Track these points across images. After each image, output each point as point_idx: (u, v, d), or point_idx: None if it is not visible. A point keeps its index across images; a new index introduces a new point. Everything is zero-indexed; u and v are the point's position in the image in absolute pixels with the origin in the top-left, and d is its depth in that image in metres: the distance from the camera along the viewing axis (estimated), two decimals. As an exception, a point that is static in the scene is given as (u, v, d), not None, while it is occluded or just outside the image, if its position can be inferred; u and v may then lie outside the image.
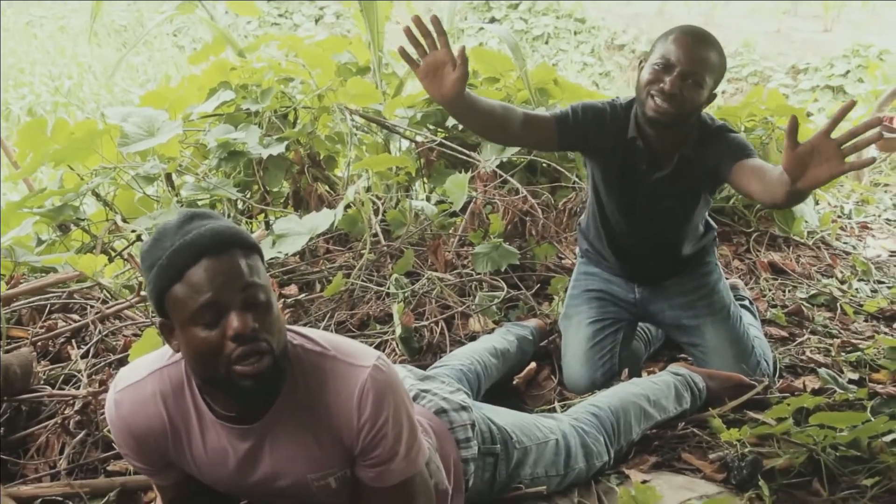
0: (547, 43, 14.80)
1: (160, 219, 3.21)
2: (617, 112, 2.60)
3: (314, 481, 1.60)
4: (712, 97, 2.47)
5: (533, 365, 2.81)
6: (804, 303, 3.47)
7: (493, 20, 15.13)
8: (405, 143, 4.10)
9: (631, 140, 2.55)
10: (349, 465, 1.61)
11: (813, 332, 3.21)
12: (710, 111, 2.64)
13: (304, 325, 2.96)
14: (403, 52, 2.25)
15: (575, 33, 14.96)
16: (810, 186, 2.04)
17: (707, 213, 2.83)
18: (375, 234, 3.40)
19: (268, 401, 1.52)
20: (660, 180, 2.56)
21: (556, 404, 2.61)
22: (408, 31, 2.20)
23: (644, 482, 2.16)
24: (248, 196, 3.65)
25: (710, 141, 2.51)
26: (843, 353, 2.95)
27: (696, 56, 2.36)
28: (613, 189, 2.65)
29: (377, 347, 2.85)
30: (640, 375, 2.76)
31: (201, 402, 1.55)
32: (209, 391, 1.52)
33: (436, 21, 2.22)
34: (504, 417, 2.12)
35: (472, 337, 2.92)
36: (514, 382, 2.74)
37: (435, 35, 2.22)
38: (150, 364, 1.60)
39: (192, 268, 1.39)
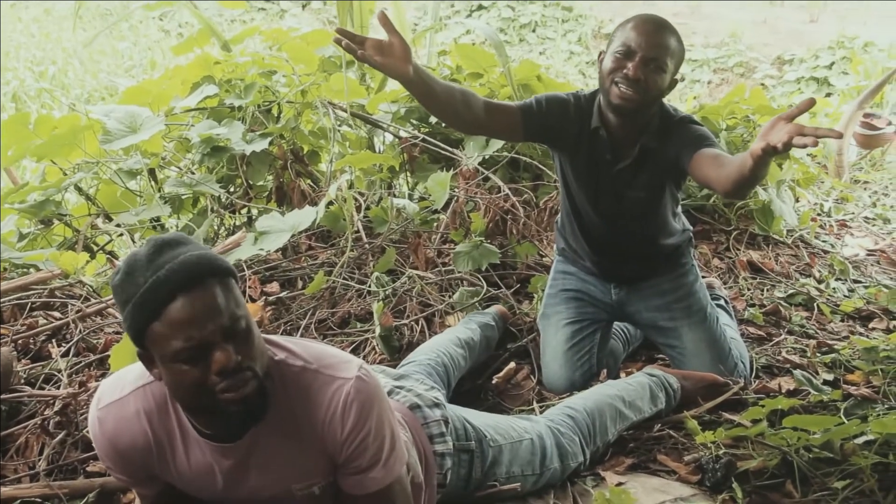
0: (534, 31, 14.76)
1: (143, 214, 3.22)
2: (581, 103, 2.63)
3: (298, 490, 1.62)
4: (674, 83, 2.50)
5: (512, 364, 2.83)
6: (782, 302, 3.50)
7: (480, 7, 15.09)
8: (389, 138, 4.10)
9: (594, 130, 2.57)
10: (333, 474, 1.63)
11: (790, 333, 3.24)
12: (693, 113, 2.66)
13: (286, 322, 2.97)
14: (349, 48, 2.22)
15: (562, 22, 14.93)
16: (766, 145, 1.97)
17: (682, 213, 2.85)
18: (357, 232, 3.41)
19: (255, 421, 1.52)
20: (622, 171, 2.59)
21: (535, 405, 2.63)
22: (338, 41, 2.21)
23: (619, 484, 2.19)
24: (231, 191, 3.65)
25: (671, 131, 2.54)
26: (818, 354, 2.98)
27: (657, 41, 2.40)
28: (581, 181, 2.68)
29: (358, 346, 2.87)
30: (618, 375, 2.79)
31: (185, 420, 1.56)
32: (192, 413, 1.53)
33: (383, 18, 2.22)
34: (478, 418, 2.15)
35: (450, 335, 2.94)
36: (494, 381, 2.76)
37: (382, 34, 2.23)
38: (133, 380, 1.59)
39: (168, 305, 1.37)
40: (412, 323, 2.99)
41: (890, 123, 6.46)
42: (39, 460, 2.16)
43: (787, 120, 1.95)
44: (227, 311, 1.40)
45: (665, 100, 2.58)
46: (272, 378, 1.52)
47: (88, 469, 2.18)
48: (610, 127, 2.56)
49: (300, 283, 3.26)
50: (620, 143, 2.57)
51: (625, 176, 2.59)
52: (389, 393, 2.00)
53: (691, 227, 2.90)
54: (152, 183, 3.54)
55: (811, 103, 1.95)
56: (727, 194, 2.36)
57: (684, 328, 2.75)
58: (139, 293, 1.38)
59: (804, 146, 1.88)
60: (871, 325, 3.40)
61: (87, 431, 2.20)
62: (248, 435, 1.54)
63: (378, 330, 2.82)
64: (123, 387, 1.59)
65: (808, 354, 2.99)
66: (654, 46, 2.39)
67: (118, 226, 3.38)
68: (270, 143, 3.53)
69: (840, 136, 1.91)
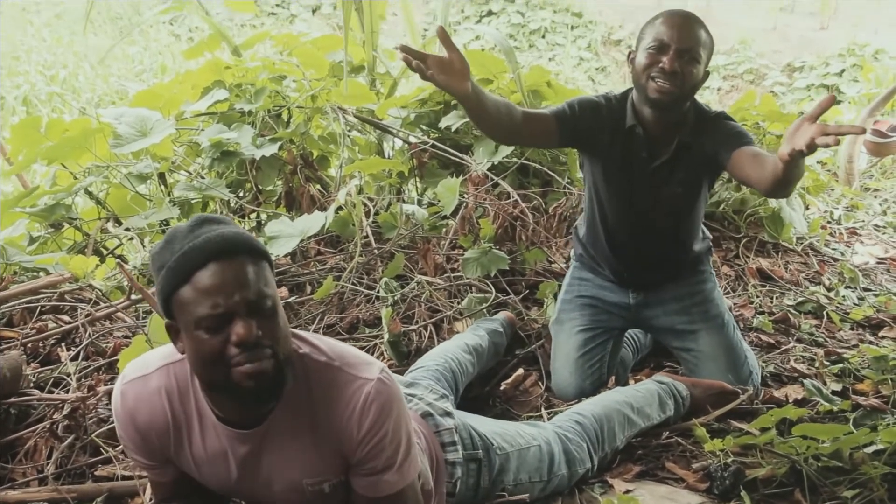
0: (544, 37, 14.78)
1: (152, 217, 3.23)
2: (612, 104, 2.64)
3: (308, 486, 1.62)
4: (706, 75, 2.52)
5: (520, 371, 2.83)
6: (791, 310, 3.49)
7: (490, 13, 15.12)
8: (398, 143, 4.11)
9: (630, 129, 2.58)
10: (345, 472, 1.63)
11: (799, 341, 3.23)
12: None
13: (295, 327, 2.97)
14: (419, 68, 2.24)
15: (572, 28, 14.94)
16: (791, 149, 2.00)
17: (702, 222, 2.85)
18: (366, 237, 3.42)
19: (269, 402, 1.53)
20: (659, 168, 2.59)
21: (543, 411, 2.63)
22: (406, 60, 2.22)
23: (627, 492, 2.18)
24: (241, 195, 3.66)
25: (707, 127, 2.55)
26: (827, 363, 2.97)
27: (688, 33, 2.43)
28: (613, 183, 2.67)
29: (366, 351, 2.87)
30: (627, 383, 2.78)
31: (204, 403, 1.57)
32: (212, 394, 1.54)
33: (442, 34, 2.23)
34: (485, 425, 2.14)
35: (458, 341, 2.94)
36: (502, 388, 2.76)
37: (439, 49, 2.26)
38: (159, 359, 1.62)
39: (199, 271, 1.40)
40: (420, 329, 2.99)
41: (901, 131, 6.44)
42: (48, 464, 2.16)
43: (812, 120, 1.95)
44: (254, 286, 1.42)
45: None
46: (295, 369, 1.53)
47: (97, 473, 2.17)
48: (646, 124, 2.57)
49: (309, 289, 3.26)
50: (657, 141, 2.58)
51: (662, 173, 2.60)
52: None
53: (710, 236, 2.90)
54: (162, 187, 3.55)
55: (832, 100, 1.95)
56: (768, 193, 2.40)
57: (702, 332, 2.75)
58: (174, 258, 1.42)
59: (826, 146, 1.90)
60: (880, 334, 3.39)
61: (96, 436, 2.21)
62: (264, 423, 1.55)
63: (387, 335, 2.82)
64: (148, 365, 1.62)
65: (817, 364, 2.98)
66: (687, 38, 2.41)
67: (128, 230, 3.38)
68: (280, 148, 3.54)
69: (863, 131, 1.91)
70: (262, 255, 1.48)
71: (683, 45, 2.41)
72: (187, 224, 1.47)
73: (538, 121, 2.60)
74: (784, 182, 2.21)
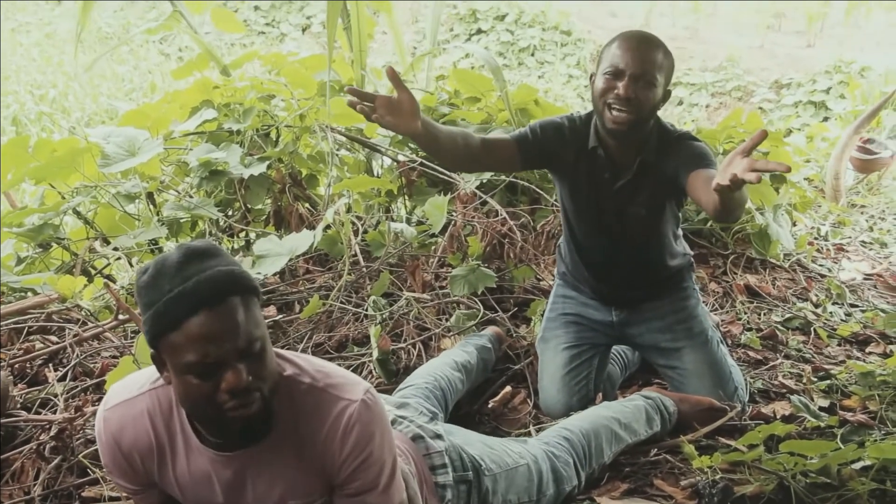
0: (533, 55, 14.86)
1: (141, 237, 3.22)
2: (576, 125, 2.64)
3: None
4: (667, 95, 2.50)
5: (508, 388, 2.84)
6: (779, 326, 3.51)
7: (479, 31, 15.19)
8: (387, 161, 4.12)
9: (592, 150, 2.58)
10: (329, 493, 1.63)
11: (786, 357, 3.24)
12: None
13: (284, 346, 2.97)
14: (363, 111, 2.25)
15: (561, 45, 15.02)
16: (716, 184, 1.98)
17: (682, 237, 2.85)
18: (355, 255, 3.42)
19: (256, 438, 1.53)
20: (622, 188, 2.59)
21: (532, 429, 2.63)
22: (351, 104, 2.24)
23: (615, 510, 2.19)
24: (230, 214, 3.66)
25: (670, 148, 2.54)
26: (815, 379, 2.98)
27: (643, 57, 2.40)
28: (580, 203, 2.69)
29: (355, 370, 2.87)
30: (614, 399, 2.78)
31: (188, 427, 1.57)
32: (196, 421, 1.54)
33: (392, 74, 2.24)
34: (474, 446, 2.13)
35: (446, 358, 2.93)
36: (490, 405, 2.76)
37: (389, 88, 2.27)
38: (143, 383, 1.61)
39: (189, 319, 1.38)
40: (409, 346, 2.99)
41: (887, 148, 6.49)
42: (35, 485, 2.15)
43: (744, 154, 1.94)
44: (244, 332, 1.41)
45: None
46: (279, 391, 1.53)
47: (84, 494, 2.17)
48: (607, 146, 2.57)
49: (297, 307, 3.26)
50: (619, 161, 2.58)
51: (625, 193, 2.60)
52: (392, 423, 1.99)
53: (691, 252, 2.90)
54: (151, 206, 3.55)
55: (764, 135, 1.94)
56: (715, 218, 2.39)
57: (686, 349, 2.75)
58: (162, 301, 1.39)
59: (750, 181, 1.87)
60: (867, 350, 3.41)
61: (83, 457, 2.20)
62: (249, 447, 1.55)
63: (375, 353, 2.82)
64: (132, 388, 1.61)
65: (804, 380, 2.99)
66: (641, 62, 2.39)
67: (116, 249, 3.38)
68: (269, 167, 3.55)
69: (788, 169, 1.90)
70: (252, 291, 1.46)
71: (638, 69, 2.38)
72: (175, 258, 1.42)
73: (498, 147, 2.60)
74: (724, 210, 2.18)
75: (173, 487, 1.64)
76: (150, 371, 1.61)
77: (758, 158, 1.92)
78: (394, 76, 2.22)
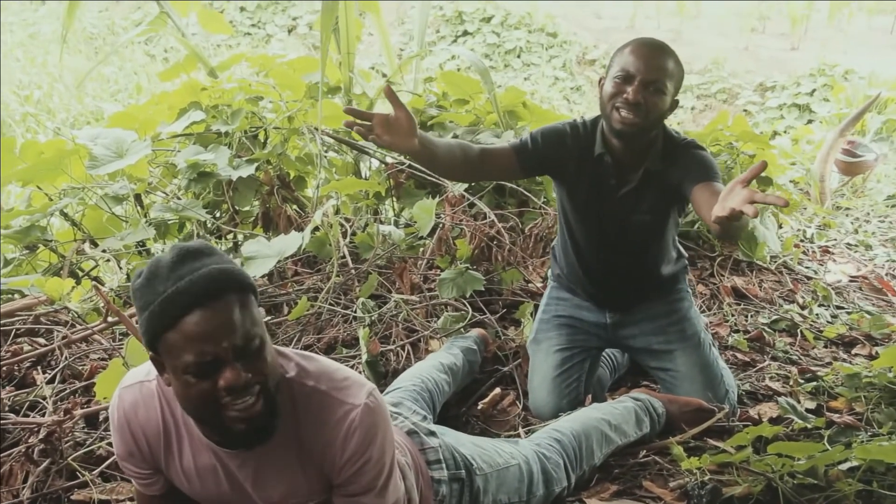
0: (519, 57, 14.90)
1: (128, 239, 3.21)
2: (579, 131, 2.64)
3: None
4: (675, 104, 2.51)
5: (497, 390, 2.84)
6: (766, 328, 3.52)
7: (465, 33, 15.22)
8: (375, 164, 4.12)
9: (598, 157, 2.58)
10: (328, 493, 1.64)
11: (774, 359, 3.26)
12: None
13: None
14: (360, 132, 2.25)
15: (547, 48, 15.06)
16: (715, 216, 2.01)
17: (678, 240, 2.87)
18: (343, 257, 3.42)
19: (261, 440, 1.52)
20: (627, 194, 2.59)
21: (521, 430, 2.63)
22: (349, 125, 2.24)
23: (604, 511, 2.19)
24: (218, 216, 3.65)
25: (676, 155, 2.55)
26: (801, 381, 3.00)
27: (655, 64, 2.41)
28: (582, 209, 2.68)
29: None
30: (604, 401, 2.79)
31: (192, 422, 1.57)
32: (198, 423, 1.54)
33: (388, 91, 2.24)
34: (465, 446, 2.14)
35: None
36: (479, 407, 2.76)
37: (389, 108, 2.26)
38: None
39: (184, 317, 1.37)
40: (398, 348, 2.99)
41: (871, 151, 6.53)
42: (24, 489, 2.14)
43: (744, 184, 1.95)
44: (241, 329, 1.40)
45: None
46: (282, 393, 1.52)
47: (73, 498, 2.16)
48: (614, 152, 2.57)
49: (286, 309, 3.26)
50: (625, 168, 2.58)
51: (629, 200, 2.60)
52: None
53: (686, 255, 2.92)
54: (138, 208, 3.54)
55: (763, 166, 1.96)
56: (716, 237, 2.39)
57: (678, 351, 2.76)
58: (158, 301, 1.38)
59: (749, 215, 1.89)
60: (853, 352, 3.43)
61: (73, 459, 2.20)
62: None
63: (365, 356, 2.82)
64: (149, 372, 1.62)
65: (791, 382, 3.00)
66: (653, 69, 2.40)
67: (104, 251, 3.37)
68: (257, 169, 3.54)
69: (786, 204, 1.92)
70: (248, 289, 1.45)
71: (649, 76, 2.39)
72: (169, 258, 1.42)
73: (497, 157, 2.60)
74: (724, 234, 2.22)
75: (179, 478, 1.65)
76: None
77: (756, 189, 1.93)
78: (392, 95, 2.23)
